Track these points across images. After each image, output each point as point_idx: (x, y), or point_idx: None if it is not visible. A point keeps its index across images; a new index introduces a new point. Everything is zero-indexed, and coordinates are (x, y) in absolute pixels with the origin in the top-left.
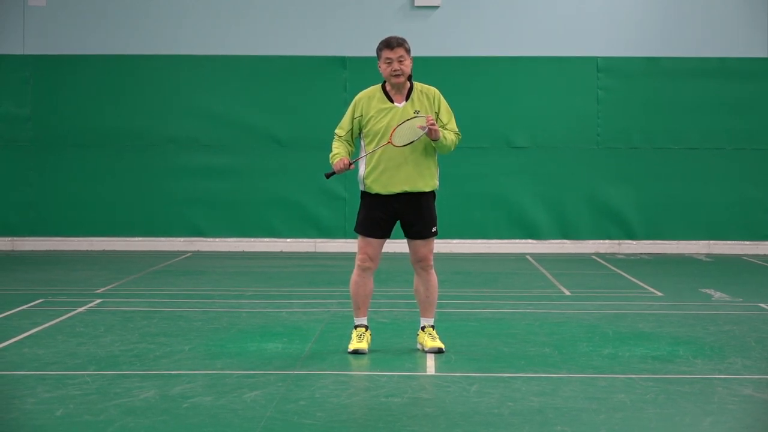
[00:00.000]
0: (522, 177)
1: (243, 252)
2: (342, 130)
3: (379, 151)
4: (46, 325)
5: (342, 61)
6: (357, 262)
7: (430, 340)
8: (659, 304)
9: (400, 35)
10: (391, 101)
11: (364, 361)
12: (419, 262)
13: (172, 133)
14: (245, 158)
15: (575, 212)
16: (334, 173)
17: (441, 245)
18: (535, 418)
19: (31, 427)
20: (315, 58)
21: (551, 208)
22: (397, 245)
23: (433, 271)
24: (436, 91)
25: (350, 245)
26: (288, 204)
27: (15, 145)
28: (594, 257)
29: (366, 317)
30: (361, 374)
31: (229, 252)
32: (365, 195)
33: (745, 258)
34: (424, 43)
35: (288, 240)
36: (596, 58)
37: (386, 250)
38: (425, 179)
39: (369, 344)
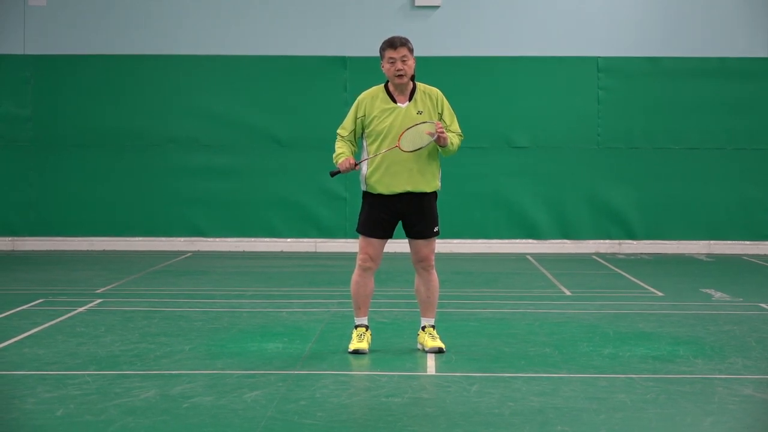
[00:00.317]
0: (522, 177)
1: (243, 252)
2: (344, 130)
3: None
4: (47, 325)
5: (342, 61)
6: (358, 262)
7: (430, 340)
8: (660, 304)
9: (401, 35)
10: (394, 101)
11: (365, 361)
12: (421, 262)
13: (172, 133)
14: (245, 158)
15: (575, 212)
16: (339, 172)
17: (441, 245)
18: (536, 418)
19: (31, 427)
20: (315, 58)
21: (552, 208)
22: (397, 245)
23: (434, 271)
24: (439, 92)
25: (351, 245)
26: (288, 204)
27: (15, 145)
28: (594, 257)
29: (366, 317)
30: (362, 374)
31: (230, 252)
32: (367, 195)
33: (745, 258)
34: (425, 43)
35: (288, 240)
36: (596, 58)
37: (387, 250)
38: (427, 180)
39: (369, 344)
